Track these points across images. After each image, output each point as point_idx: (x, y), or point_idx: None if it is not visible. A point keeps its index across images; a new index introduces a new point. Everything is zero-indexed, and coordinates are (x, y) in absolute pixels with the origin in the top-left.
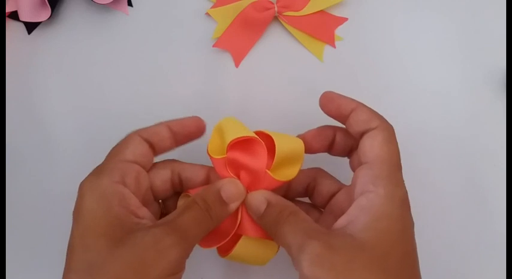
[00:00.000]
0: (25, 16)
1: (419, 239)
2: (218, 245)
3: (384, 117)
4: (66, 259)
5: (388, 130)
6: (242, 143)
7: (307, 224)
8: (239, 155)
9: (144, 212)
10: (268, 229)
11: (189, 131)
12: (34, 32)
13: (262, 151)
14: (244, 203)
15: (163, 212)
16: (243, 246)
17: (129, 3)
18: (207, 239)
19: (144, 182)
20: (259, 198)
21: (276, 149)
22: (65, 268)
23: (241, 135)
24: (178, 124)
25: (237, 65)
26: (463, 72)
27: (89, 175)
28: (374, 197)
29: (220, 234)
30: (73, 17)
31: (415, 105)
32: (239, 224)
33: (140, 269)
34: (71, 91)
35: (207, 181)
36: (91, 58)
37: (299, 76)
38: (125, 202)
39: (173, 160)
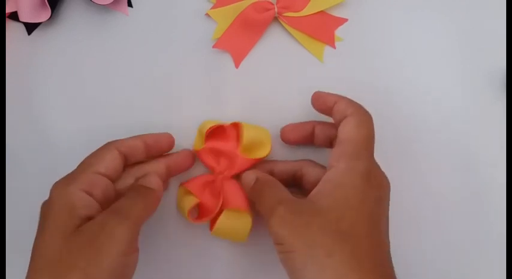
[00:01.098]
0: (25, 17)
1: (419, 239)
2: (207, 220)
3: (383, 116)
4: (30, 260)
5: (361, 116)
6: (216, 134)
7: (282, 194)
8: (215, 143)
9: None
10: (255, 199)
11: (161, 146)
12: (34, 33)
13: (231, 135)
14: (224, 184)
15: None
16: (225, 218)
17: (129, 4)
18: (197, 216)
19: (111, 195)
20: (250, 176)
21: (244, 133)
22: (28, 269)
23: (213, 125)
24: (152, 138)
25: (237, 66)
26: (463, 72)
27: (61, 179)
28: (335, 171)
29: (207, 211)
30: (73, 17)
31: (415, 105)
32: (222, 200)
33: (92, 254)
34: (70, 92)
35: (168, 172)
36: (91, 58)
37: (299, 77)
38: (89, 207)
39: (134, 165)
